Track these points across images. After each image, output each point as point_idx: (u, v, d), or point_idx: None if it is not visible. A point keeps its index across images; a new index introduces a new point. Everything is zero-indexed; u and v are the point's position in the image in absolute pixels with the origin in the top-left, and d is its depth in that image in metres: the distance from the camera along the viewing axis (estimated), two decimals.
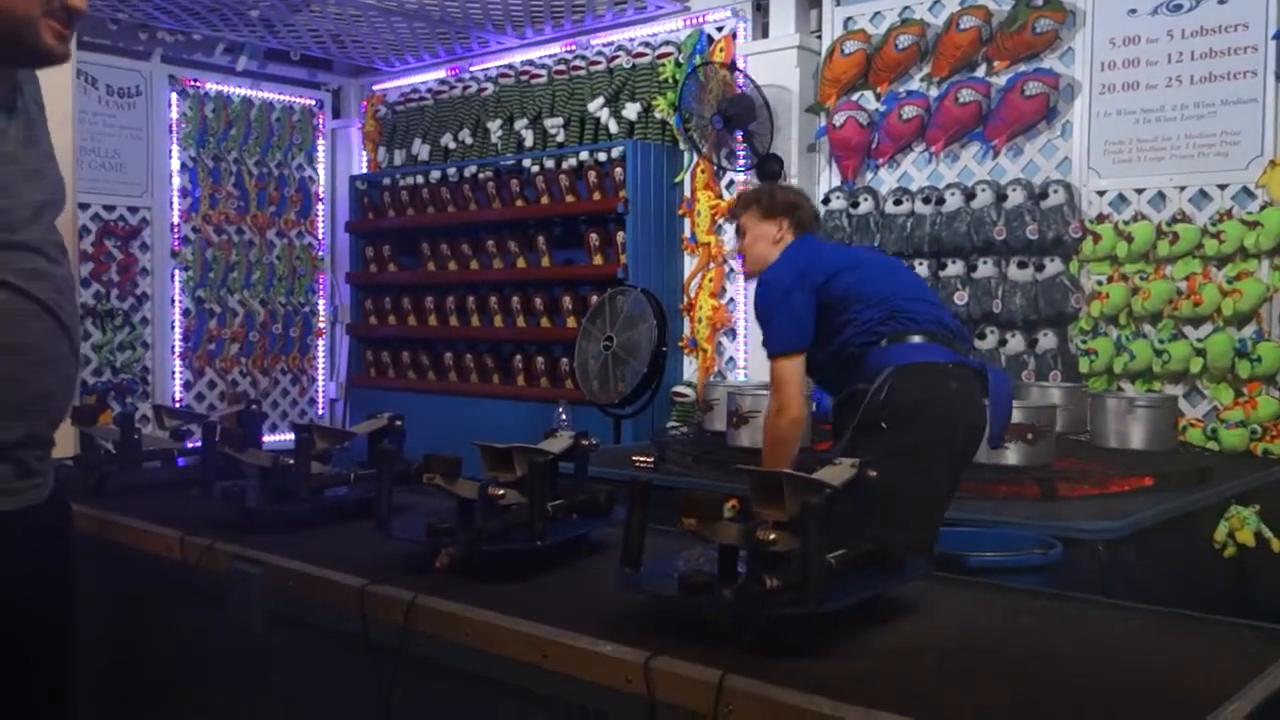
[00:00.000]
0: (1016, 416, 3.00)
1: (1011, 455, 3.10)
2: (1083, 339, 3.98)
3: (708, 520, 1.49)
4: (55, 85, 2.36)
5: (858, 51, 4.46)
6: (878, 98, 4.48)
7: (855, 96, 4.53)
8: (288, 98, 6.46)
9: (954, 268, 4.22)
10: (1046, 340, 4.02)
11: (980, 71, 4.24)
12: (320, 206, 6.63)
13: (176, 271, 5.98)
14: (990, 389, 2.66)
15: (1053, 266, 3.98)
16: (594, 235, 5.12)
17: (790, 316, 2.71)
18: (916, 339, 2.64)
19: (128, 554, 2.22)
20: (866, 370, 2.63)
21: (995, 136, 4.17)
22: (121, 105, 5.76)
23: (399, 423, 2.35)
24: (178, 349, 5.98)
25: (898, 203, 4.36)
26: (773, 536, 1.46)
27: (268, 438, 4.76)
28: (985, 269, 4.13)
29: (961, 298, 4.15)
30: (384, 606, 1.70)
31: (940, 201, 4.21)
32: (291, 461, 2.13)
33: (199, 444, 2.49)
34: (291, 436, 2.21)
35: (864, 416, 2.59)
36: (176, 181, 6.01)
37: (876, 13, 4.51)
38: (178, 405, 5.74)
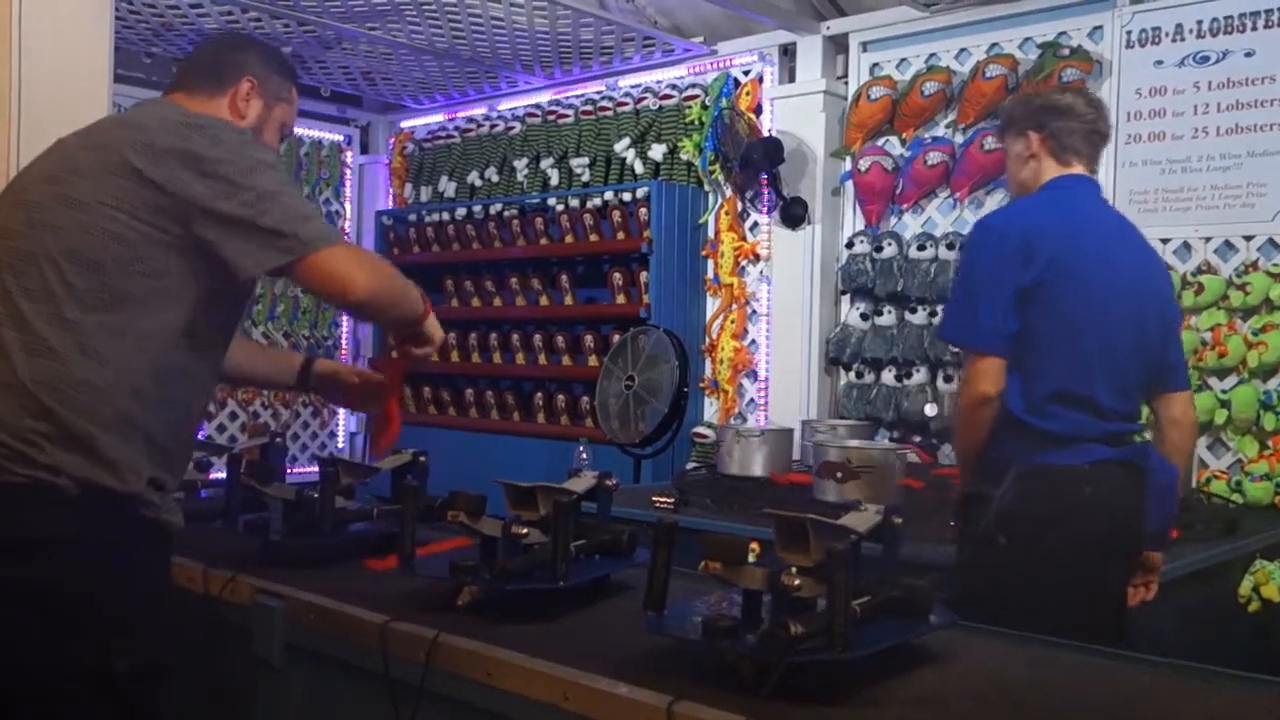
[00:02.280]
0: None
1: None
2: None
3: (731, 564, 1.49)
4: (91, 115, 2.41)
5: (883, 97, 4.49)
6: (903, 143, 4.51)
7: (880, 142, 4.55)
8: (317, 133, 6.53)
9: None
10: None
11: None
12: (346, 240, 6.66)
13: None
14: (1150, 483, 2.36)
15: None
16: (617, 275, 5.14)
17: (978, 301, 2.34)
18: (1056, 430, 2.34)
19: None
20: (996, 449, 2.35)
21: None
22: None
23: (423, 459, 2.36)
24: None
25: (921, 248, 4.36)
26: (797, 582, 1.46)
27: (288, 471, 4.78)
28: None
29: None
30: (406, 643, 1.70)
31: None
32: (315, 495, 2.14)
33: (222, 475, 2.50)
34: (312, 469, 2.22)
35: (984, 525, 2.34)
36: None
37: (903, 59, 4.55)
38: (200, 436, 5.76)
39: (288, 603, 1.91)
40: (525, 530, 1.81)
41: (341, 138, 6.67)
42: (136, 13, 4.70)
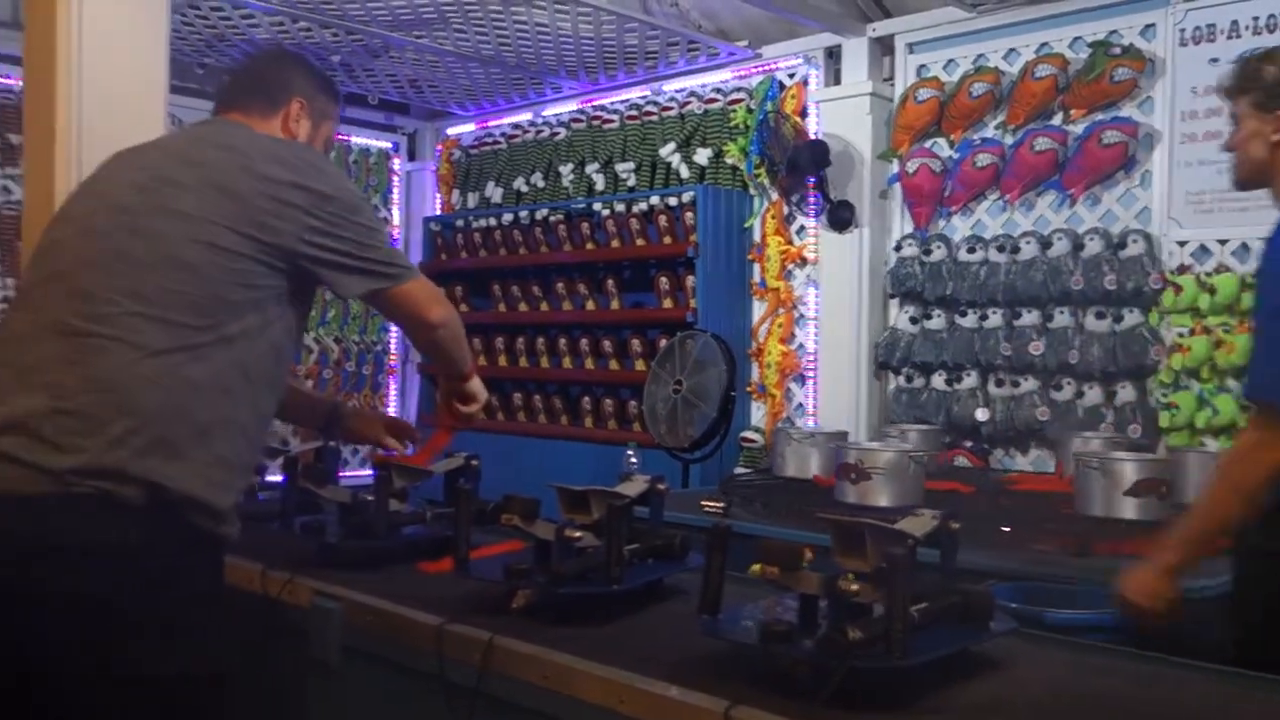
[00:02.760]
0: (1146, 471, 2.90)
1: (1130, 510, 2.97)
2: (1163, 392, 3.89)
3: (788, 568, 1.48)
4: (148, 126, 2.45)
5: (931, 99, 4.46)
6: (951, 145, 4.47)
7: (928, 144, 4.52)
8: (365, 140, 6.60)
9: (1029, 317, 4.17)
10: (1125, 393, 3.94)
11: (1057, 120, 4.20)
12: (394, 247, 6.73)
13: None
14: None
15: (1131, 317, 3.92)
16: (663, 279, 5.15)
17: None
18: None
19: None
20: None
21: (1072, 185, 4.13)
22: None
23: (475, 462, 2.37)
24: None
25: (971, 250, 4.32)
26: (855, 587, 1.45)
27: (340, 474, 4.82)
28: (1061, 319, 4.07)
29: (1037, 348, 4.09)
30: (461, 645, 1.71)
31: (1015, 250, 4.18)
32: (370, 498, 2.16)
33: (279, 478, 2.53)
34: (364, 472, 2.25)
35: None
36: None
37: (950, 60, 4.51)
38: None
39: (344, 605, 1.93)
40: (579, 534, 1.82)
41: (389, 145, 6.73)
42: (190, 24, 4.78)
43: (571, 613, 1.77)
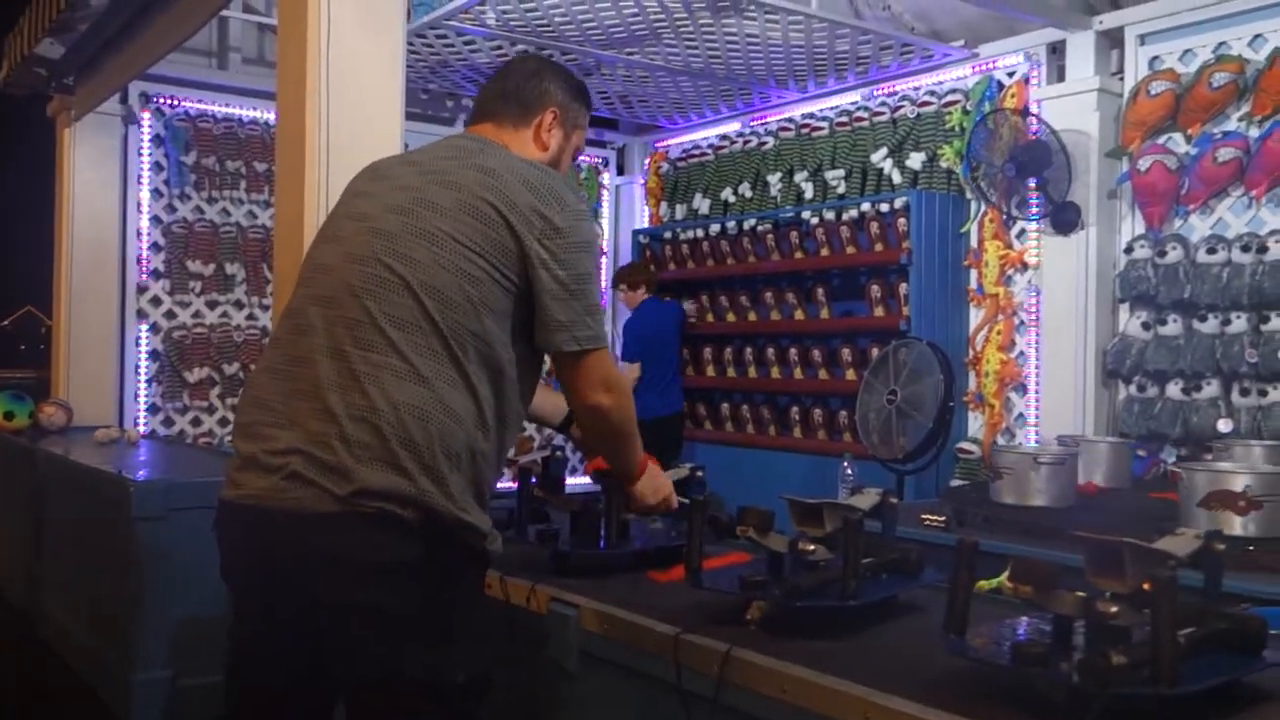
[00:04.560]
0: None
1: None
2: None
3: (1043, 587, 1.42)
4: (386, 148, 2.57)
5: (1165, 92, 4.21)
6: (1188, 140, 4.21)
7: (1162, 139, 4.27)
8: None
9: (1277, 321, 3.88)
10: None
11: None
12: (604, 260, 6.89)
13: None
14: None
15: None
16: (875, 287, 5.06)
17: None
18: None
19: None
20: None
21: None
22: None
23: (700, 473, 2.39)
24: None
25: (1211, 251, 4.06)
26: (1114, 609, 1.38)
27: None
28: None
29: None
30: (698, 656, 1.72)
31: (1263, 250, 3.90)
32: (601, 507, 2.21)
33: (511, 485, 2.62)
34: (585, 481, 2.29)
35: None
36: None
37: (1187, 50, 4.25)
38: None
39: (581, 611, 1.97)
40: (813, 547, 1.80)
41: (599, 160, 6.90)
42: (415, 52, 5.03)
43: (805, 626, 1.76)
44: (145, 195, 5.67)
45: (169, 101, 5.69)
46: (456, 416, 1.72)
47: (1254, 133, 4.02)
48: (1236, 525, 2.70)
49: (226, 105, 5.83)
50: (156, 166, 5.72)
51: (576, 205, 1.86)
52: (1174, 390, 4.15)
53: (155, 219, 5.71)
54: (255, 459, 1.73)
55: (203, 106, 5.78)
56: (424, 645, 1.68)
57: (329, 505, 1.65)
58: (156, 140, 5.70)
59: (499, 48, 5.03)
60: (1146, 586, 1.37)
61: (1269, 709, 1.45)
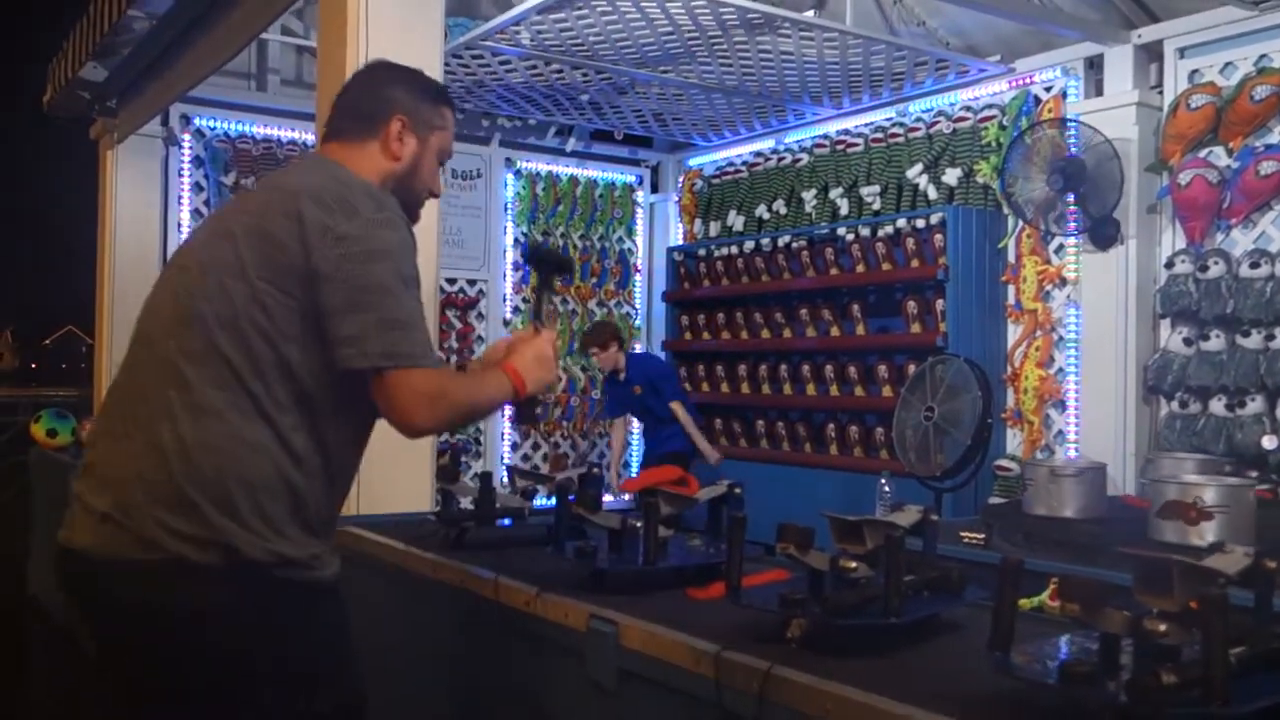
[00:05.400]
0: None
1: None
2: None
3: (1091, 606, 1.40)
4: None
5: (1206, 105, 4.17)
6: (1230, 153, 4.16)
7: (1203, 153, 4.23)
8: (610, 175, 6.81)
9: None
10: None
11: None
12: (638, 277, 6.91)
13: None
14: None
15: None
16: (911, 303, 5.03)
17: None
18: None
19: (484, 606, 2.36)
20: None
21: None
22: (465, 187, 6.29)
23: (738, 490, 2.38)
24: (507, 412, 6.36)
25: (1254, 265, 4.01)
26: (1163, 628, 1.36)
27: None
28: None
29: None
30: (738, 673, 1.71)
31: None
32: (639, 524, 2.21)
33: (549, 502, 2.62)
34: (610, 497, 2.28)
35: None
36: (509, 255, 6.47)
37: (1228, 63, 4.21)
38: (507, 465, 6.10)
39: (619, 628, 1.97)
40: (854, 564, 1.79)
41: (633, 178, 6.93)
42: (451, 73, 5.06)
43: (847, 645, 1.74)
44: (186, 216, 5.76)
45: (209, 123, 5.78)
46: (256, 447, 1.68)
47: None
48: None
49: (265, 127, 5.91)
50: (196, 187, 5.80)
51: (374, 214, 1.73)
52: (1217, 406, 4.10)
53: None
54: (81, 499, 1.72)
55: (242, 128, 5.86)
56: (273, 685, 1.66)
57: (134, 551, 1.63)
58: (197, 161, 5.79)
59: (534, 67, 5.06)
60: (1194, 605, 1.35)
61: None
